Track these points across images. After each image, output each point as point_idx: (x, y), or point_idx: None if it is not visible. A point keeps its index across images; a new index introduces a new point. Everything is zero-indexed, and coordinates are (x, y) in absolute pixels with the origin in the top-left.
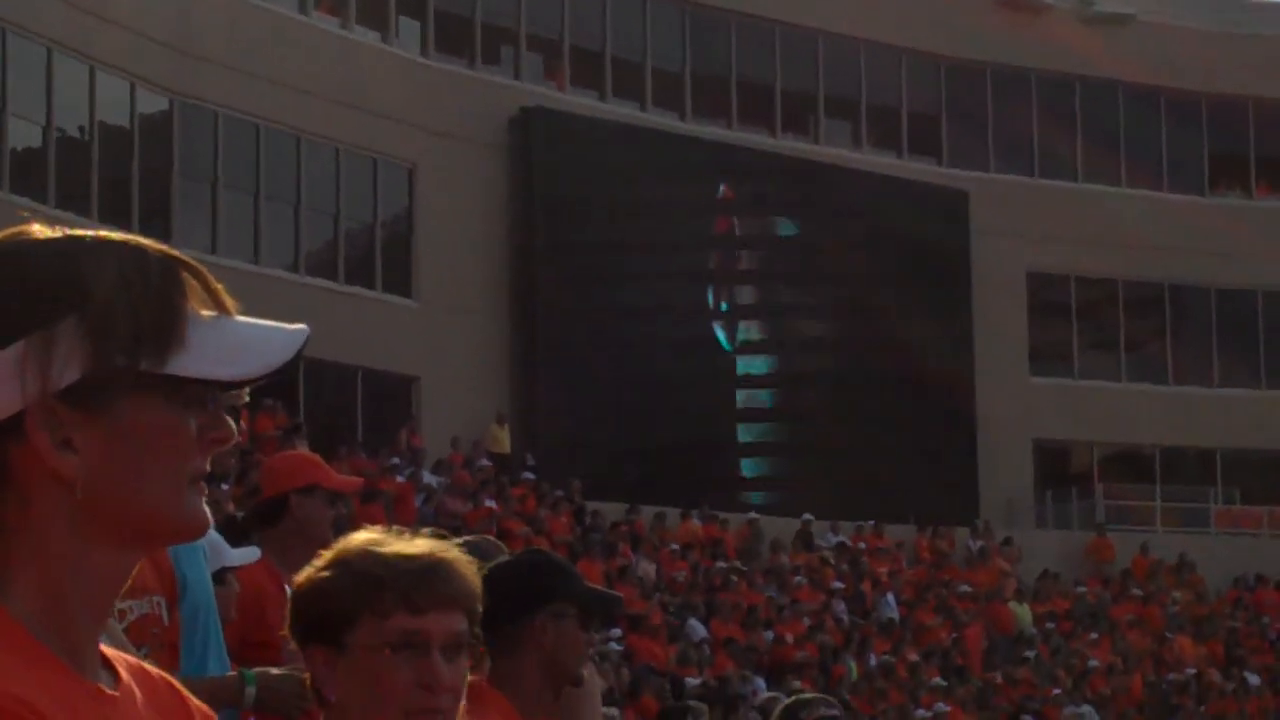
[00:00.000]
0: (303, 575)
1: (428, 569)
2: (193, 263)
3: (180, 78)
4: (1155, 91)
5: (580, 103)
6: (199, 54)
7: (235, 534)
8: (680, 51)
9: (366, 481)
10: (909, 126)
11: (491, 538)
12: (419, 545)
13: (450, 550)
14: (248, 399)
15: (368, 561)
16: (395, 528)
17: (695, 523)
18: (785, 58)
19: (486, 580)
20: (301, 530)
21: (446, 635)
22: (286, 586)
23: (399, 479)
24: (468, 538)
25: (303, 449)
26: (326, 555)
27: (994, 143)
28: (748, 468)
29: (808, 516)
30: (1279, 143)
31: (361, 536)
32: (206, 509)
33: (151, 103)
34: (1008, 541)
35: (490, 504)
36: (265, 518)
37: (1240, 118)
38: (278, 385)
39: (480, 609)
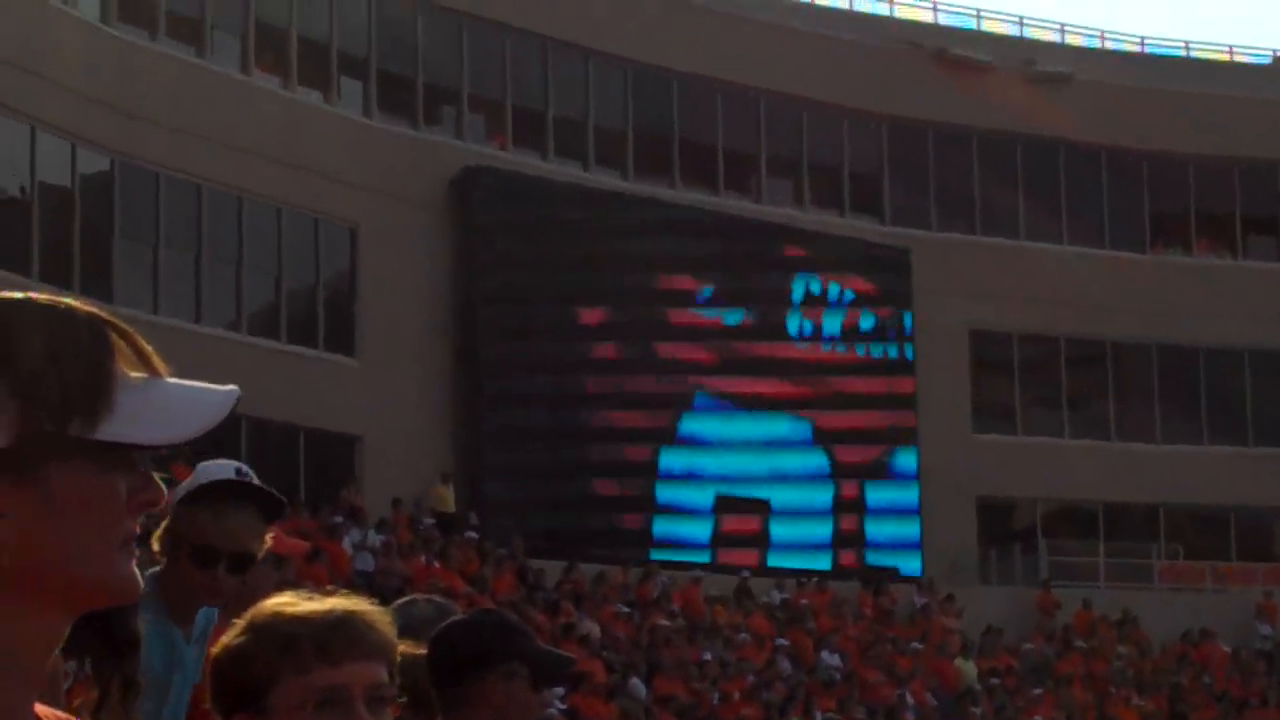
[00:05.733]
0: (218, 645)
1: (341, 621)
2: (122, 324)
3: (122, 138)
4: (1096, 149)
5: (523, 162)
6: (140, 114)
7: None
8: (623, 111)
9: (311, 543)
10: (851, 185)
11: (441, 599)
12: (330, 602)
13: (362, 604)
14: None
15: (281, 621)
16: (305, 591)
17: (631, 580)
18: (727, 117)
19: (438, 639)
20: (250, 595)
21: (367, 687)
22: None
23: (345, 542)
24: (411, 598)
25: None
26: (239, 623)
27: (936, 201)
28: (689, 525)
29: (745, 573)
30: (1218, 200)
31: (272, 601)
32: (137, 572)
33: (92, 163)
34: (950, 598)
35: (434, 564)
36: None
37: (1180, 175)
38: (220, 446)
39: (397, 659)
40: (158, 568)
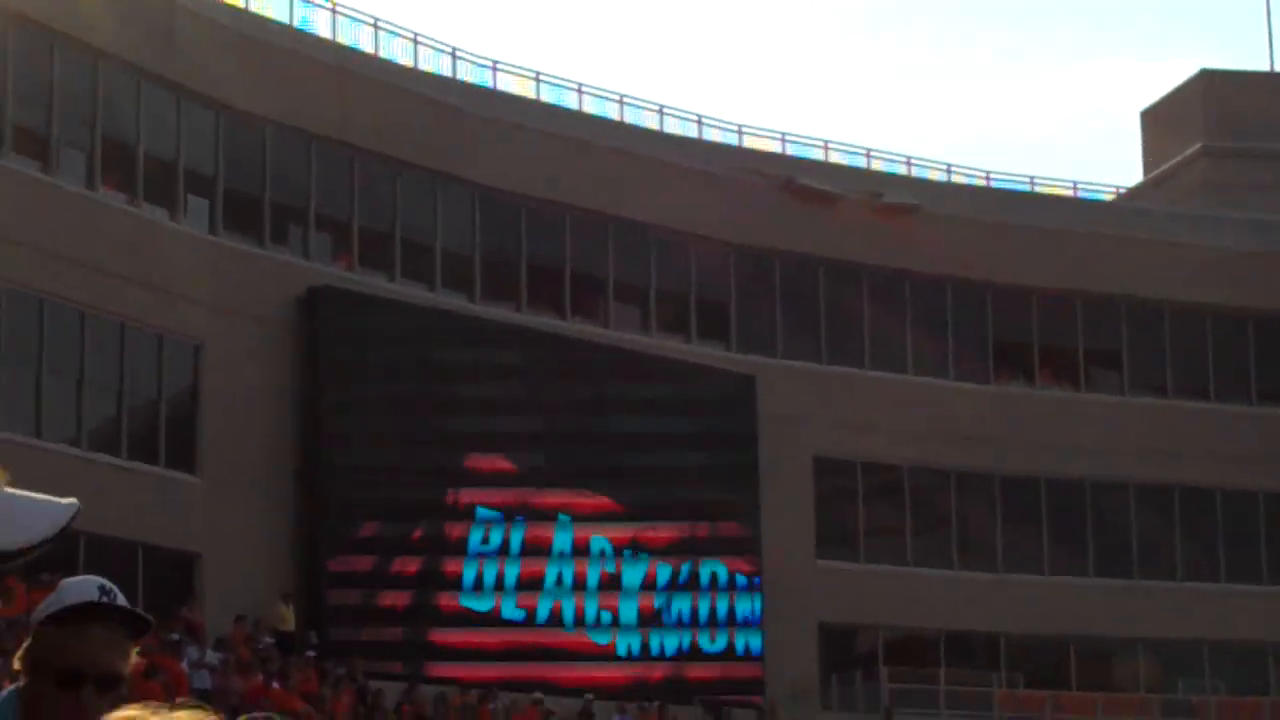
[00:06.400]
0: None
1: None
2: None
3: None
4: (941, 280)
5: (369, 283)
6: None
7: None
8: (470, 233)
9: (147, 659)
10: (698, 311)
11: (276, 716)
12: (175, 717)
13: (207, 718)
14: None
15: None
16: (153, 704)
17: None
18: (575, 242)
19: None
20: (84, 713)
21: None
22: None
23: (183, 660)
24: (253, 715)
25: None
26: None
27: (782, 328)
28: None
29: (589, 696)
30: (1061, 332)
31: (118, 715)
32: None
33: None
34: None
35: (273, 683)
36: None
37: (1024, 307)
38: (56, 561)
39: None
40: (18, 684)
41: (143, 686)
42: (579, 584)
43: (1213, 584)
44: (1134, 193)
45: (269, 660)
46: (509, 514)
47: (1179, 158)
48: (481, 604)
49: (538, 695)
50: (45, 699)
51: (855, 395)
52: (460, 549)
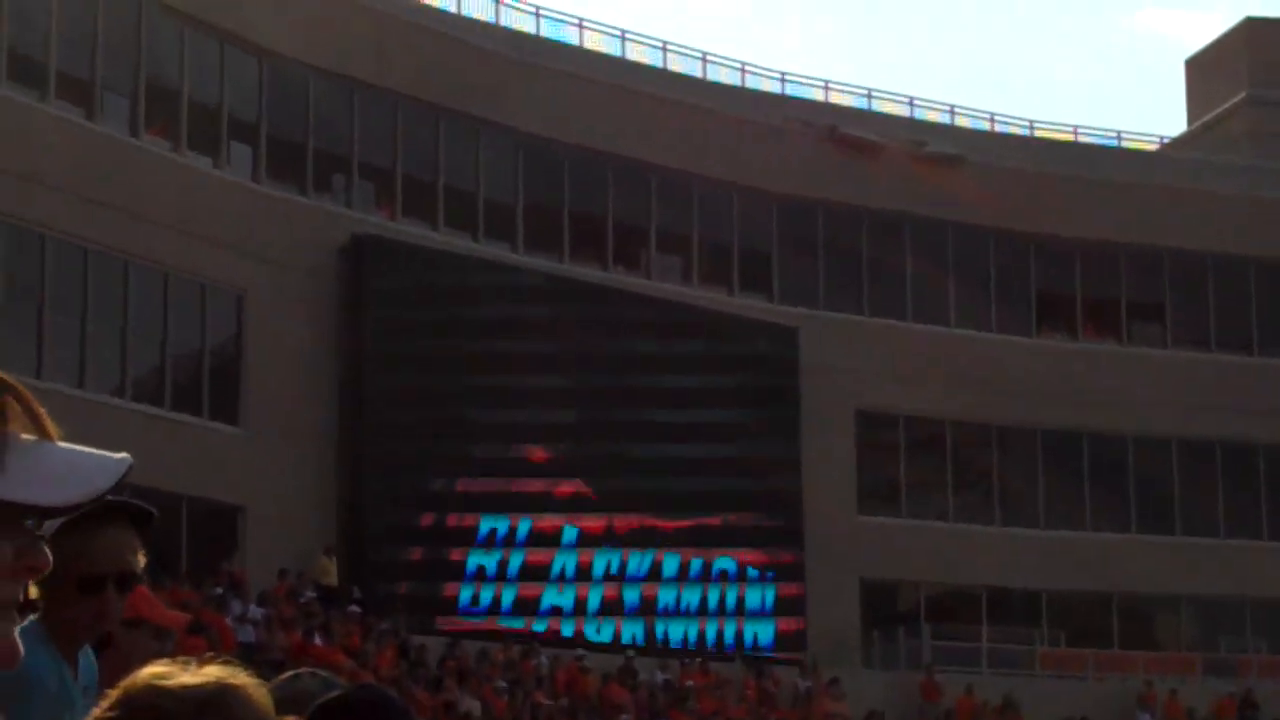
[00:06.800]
0: (90, 717)
1: (213, 696)
2: (16, 385)
3: (8, 199)
4: (984, 231)
5: (412, 232)
6: (29, 175)
7: None
8: (513, 183)
9: (191, 615)
10: (740, 262)
11: (326, 673)
12: (205, 674)
13: (239, 676)
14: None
15: (151, 696)
16: (183, 659)
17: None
18: (617, 191)
19: (313, 717)
20: (126, 665)
21: None
22: None
23: (228, 615)
24: (298, 671)
25: None
26: (112, 695)
27: (824, 280)
28: (572, 601)
29: (631, 653)
30: (1105, 284)
31: (148, 671)
32: (18, 638)
33: None
34: (834, 681)
35: (316, 638)
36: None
37: (1067, 259)
38: None
39: None
40: (36, 616)
41: (187, 642)
42: (585, 538)
43: (1256, 541)
44: (1178, 142)
45: (312, 615)
46: (552, 468)
47: (1223, 107)
48: (491, 559)
49: (580, 651)
50: (68, 608)
51: (897, 348)
52: (505, 505)
